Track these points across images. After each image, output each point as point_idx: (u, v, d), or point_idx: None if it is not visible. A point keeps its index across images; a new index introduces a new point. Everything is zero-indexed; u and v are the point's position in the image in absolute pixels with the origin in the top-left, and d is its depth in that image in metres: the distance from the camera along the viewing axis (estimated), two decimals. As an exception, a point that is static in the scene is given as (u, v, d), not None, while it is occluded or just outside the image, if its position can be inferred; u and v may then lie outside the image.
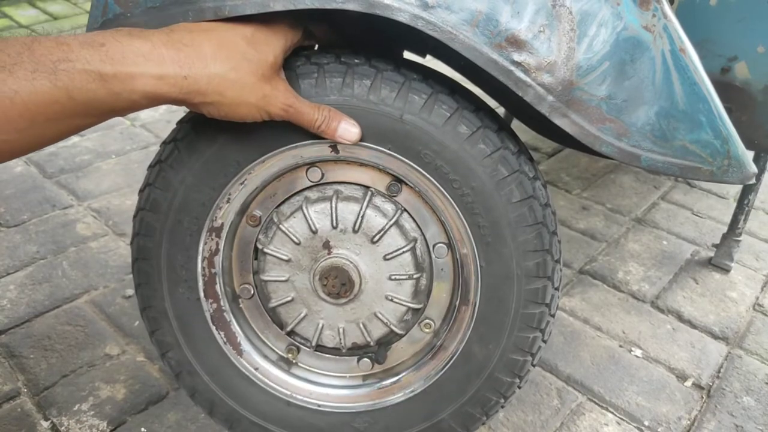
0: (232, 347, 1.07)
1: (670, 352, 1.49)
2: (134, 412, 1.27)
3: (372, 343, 1.05)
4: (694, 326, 1.57)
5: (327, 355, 1.10)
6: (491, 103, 1.04)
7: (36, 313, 1.50)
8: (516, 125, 2.10)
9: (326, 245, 0.99)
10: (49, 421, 1.24)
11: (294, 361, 1.11)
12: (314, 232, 0.98)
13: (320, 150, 0.92)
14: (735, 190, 2.17)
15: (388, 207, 0.98)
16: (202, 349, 1.06)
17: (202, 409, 1.11)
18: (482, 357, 0.98)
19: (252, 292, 1.07)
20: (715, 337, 1.54)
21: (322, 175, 0.97)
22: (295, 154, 0.92)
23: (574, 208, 2.04)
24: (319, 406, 1.08)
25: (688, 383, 1.41)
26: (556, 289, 0.96)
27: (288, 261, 1.01)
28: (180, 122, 0.95)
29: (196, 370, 1.07)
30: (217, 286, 1.04)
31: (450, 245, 0.98)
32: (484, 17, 0.76)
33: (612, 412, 1.33)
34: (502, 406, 1.03)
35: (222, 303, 1.05)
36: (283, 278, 1.03)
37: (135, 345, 1.42)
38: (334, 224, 0.97)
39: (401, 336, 1.06)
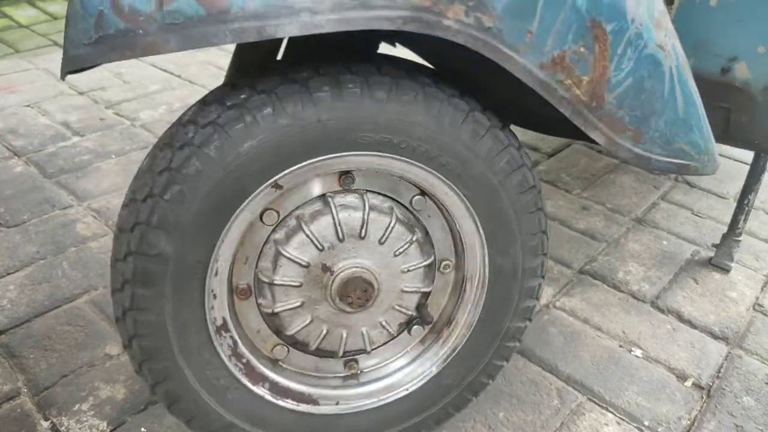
0: (304, 403, 1.07)
1: (670, 352, 1.49)
2: (134, 412, 1.27)
3: (412, 313, 1.08)
4: (694, 326, 1.57)
5: (383, 347, 1.13)
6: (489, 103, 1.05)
7: (36, 313, 1.50)
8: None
9: (326, 268, 0.97)
10: (49, 421, 1.24)
11: (359, 372, 1.12)
12: (307, 267, 0.96)
13: (267, 195, 0.88)
14: (735, 190, 2.17)
15: (352, 199, 0.97)
16: (280, 425, 1.06)
17: None
18: (510, 264, 1.03)
19: (287, 349, 1.05)
20: (715, 337, 1.54)
21: (278, 213, 0.94)
22: (249, 211, 0.88)
23: (574, 208, 2.04)
24: (407, 390, 1.11)
25: (688, 383, 1.41)
26: (530, 168, 1.00)
27: (302, 305, 0.99)
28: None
29: None
30: (258, 370, 1.02)
31: (423, 193, 1.00)
32: (534, 39, 0.79)
33: (612, 412, 1.33)
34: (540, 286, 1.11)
35: (272, 377, 1.04)
36: (308, 321, 1.01)
37: (135, 345, 1.43)
38: (320, 247, 0.95)
39: (431, 291, 1.09)
